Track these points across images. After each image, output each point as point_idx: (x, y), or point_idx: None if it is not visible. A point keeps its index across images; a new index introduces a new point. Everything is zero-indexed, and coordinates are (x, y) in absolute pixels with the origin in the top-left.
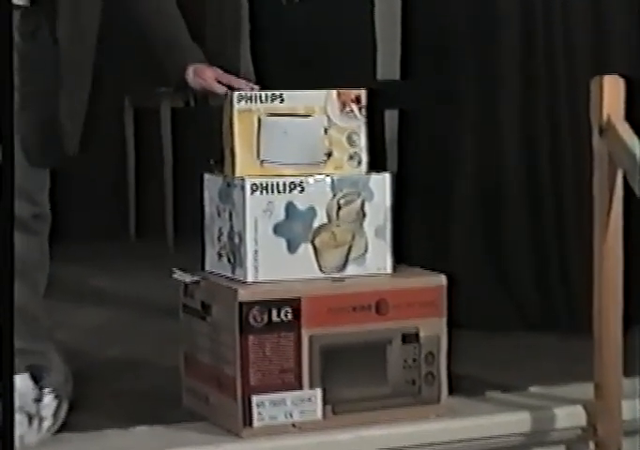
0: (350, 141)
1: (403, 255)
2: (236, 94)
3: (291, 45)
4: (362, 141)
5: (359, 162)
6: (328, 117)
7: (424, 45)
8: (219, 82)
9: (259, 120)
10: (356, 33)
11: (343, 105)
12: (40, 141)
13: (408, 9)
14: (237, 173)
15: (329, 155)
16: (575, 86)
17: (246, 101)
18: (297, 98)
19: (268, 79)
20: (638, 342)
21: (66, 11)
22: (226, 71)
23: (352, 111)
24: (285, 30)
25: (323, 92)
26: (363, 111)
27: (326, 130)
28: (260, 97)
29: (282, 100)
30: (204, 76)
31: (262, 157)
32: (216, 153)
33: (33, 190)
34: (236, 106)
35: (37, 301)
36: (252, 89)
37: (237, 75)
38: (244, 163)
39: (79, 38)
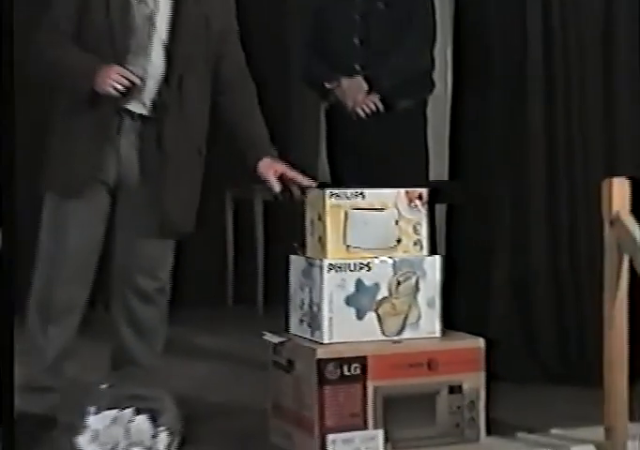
0: (415, 230)
1: (450, 322)
2: (327, 192)
3: (360, 151)
4: (424, 230)
5: (421, 247)
6: (398, 211)
7: (468, 152)
8: (283, 176)
9: (345, 213)
10: (412, 142)
11: (410, 201)
12: (162, 221)
13: (455, 123)
14: (328, 257)
15: (399, 241)
16: (589, 187)
17: (336, 198)
18: (374, 195)
19: (342, 177)
20: None
21: (179, 120)
22: (295, 167)
23: (416, 206)
24: (355, 139)
25: (394, 190)
26: (425, 205)
27: (396, 221)
28: (346, 194)
29: (364, 197)
30: (269, 170)
31: (348, 243)
32: (298, 238)
33: (156, 268)
34: (328, 202)
35: (155, 357)
36: (313, 184)
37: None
38: (333, 248)
39: (189, 142)
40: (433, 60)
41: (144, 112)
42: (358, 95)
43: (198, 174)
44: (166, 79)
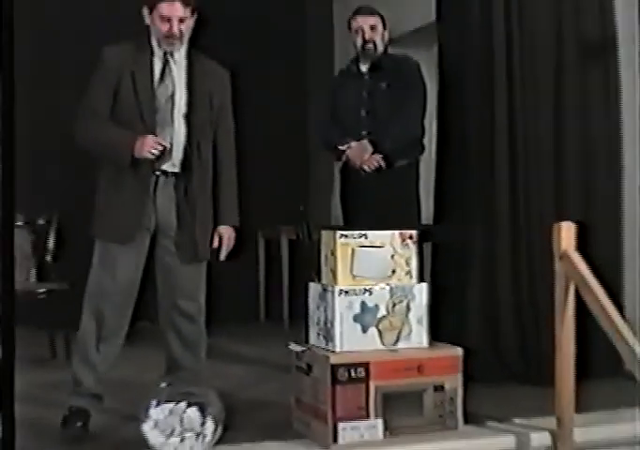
0: (407, 263)
1: (435, 334)
2: (338, 233)
3: (365, 200)
4: (414, 262)
5: (411, 276)
6: (394, 248)
7: (450, 202)
8: (221, 240)
9: (352, 250)
10: (407, 193)
11: (403, 240)
12: (193, 252)
13: (439, 180)
14: (339, 284)
15: (394, 271)
16: (543, 229)
17: (345, 238)
18: (375, 236)
19: (352, 221)
20: (585, 390)
21: (199, 174)
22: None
23: (408, 244)
24: (363, 190)
25: (390, 232)
26: (415, 243)
27: (392, 256)
28: (353, 235)
29: (367, 237)
30: (219, 233)
31: (354, 273)
32: (315, 268)
33: (193, 292)
34: (338, 241)
35: (199, 363)
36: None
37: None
38: (342, 277)
39: (207, 192)
40: (423, 128)
41: (175, 170)
42: (364, 155)
43: (211, 216)
44: (188, 143)
